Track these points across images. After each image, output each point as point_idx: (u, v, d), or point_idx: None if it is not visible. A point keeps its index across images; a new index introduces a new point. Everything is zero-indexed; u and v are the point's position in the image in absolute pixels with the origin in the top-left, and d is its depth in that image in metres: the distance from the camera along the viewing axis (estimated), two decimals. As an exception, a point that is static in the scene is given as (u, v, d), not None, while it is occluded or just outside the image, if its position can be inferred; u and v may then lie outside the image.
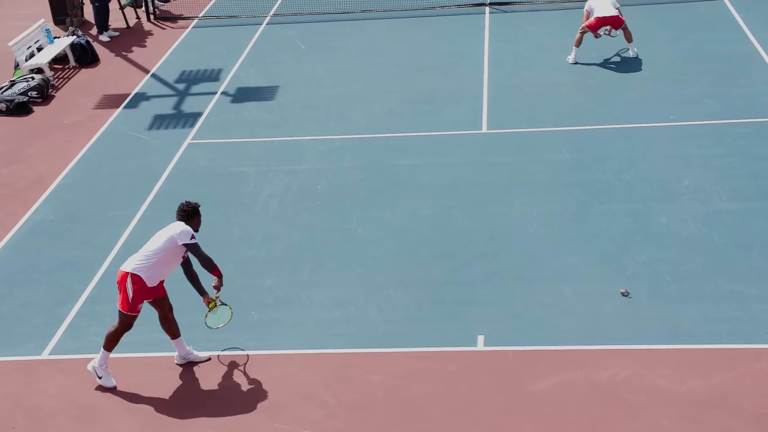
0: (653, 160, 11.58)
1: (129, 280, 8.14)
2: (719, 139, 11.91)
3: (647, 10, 16.23)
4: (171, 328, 8.49)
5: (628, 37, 14.53)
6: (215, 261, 8.40)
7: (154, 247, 8.25)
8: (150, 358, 8.80)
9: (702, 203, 10.56)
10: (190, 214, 8.44)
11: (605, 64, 14.50)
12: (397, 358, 8.55)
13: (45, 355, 8.97)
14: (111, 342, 8.33)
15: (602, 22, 14.39)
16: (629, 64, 14.36)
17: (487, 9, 17.09)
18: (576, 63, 14.65)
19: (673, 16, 16.01)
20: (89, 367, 8.49)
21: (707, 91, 13.22)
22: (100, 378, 8.44)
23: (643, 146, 11.95)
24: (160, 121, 13.86)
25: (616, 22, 14.41)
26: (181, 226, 8.28)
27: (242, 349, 8.79)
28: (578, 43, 14.69)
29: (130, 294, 8.14)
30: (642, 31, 15.35)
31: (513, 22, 16.47)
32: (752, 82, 13.38)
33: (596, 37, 14.54)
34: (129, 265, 8.23)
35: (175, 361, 8.69)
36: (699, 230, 10.08)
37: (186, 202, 8.52)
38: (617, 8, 14.34)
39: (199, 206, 8.56)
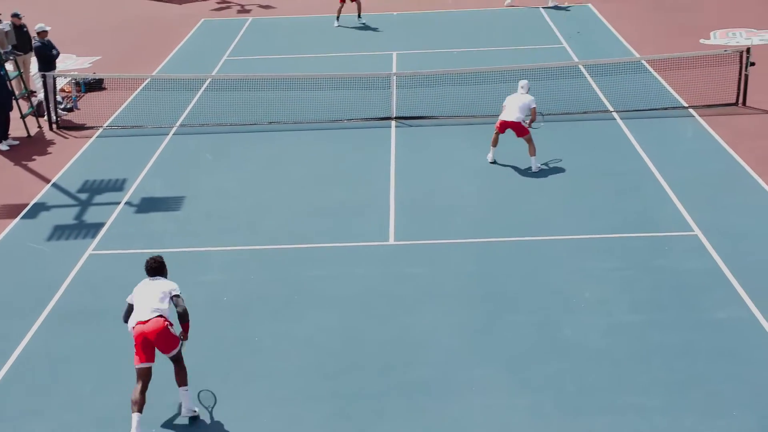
0: (557, 273, 11.84)
1: (166, 326, 8.96)
2: (617, 253, 12.30)
3: (548, 126, 16.85)
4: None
5: (531, 151, 15.09)
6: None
7: (160, 302, 9.04)
8: None
9: (603, 315, 10.80)
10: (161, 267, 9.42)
11: (509, 176, 14.92)
12: (305, 476, 8.31)
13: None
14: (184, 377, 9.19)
15: (505, 125, 15.02)
16: (533, 178, 14.82)
17: (393, 123, 17.49)
18: (494, 162, 15.30)
19: (572, 133, 16.69)
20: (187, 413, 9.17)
21: (605, 206, 13.71)
22: (195, 411, 9.24)
23: (547, 258, 12.23)
24: (60, 232, 13.51)
25: (518, 130, 15.00)
26: (172, 283, 9.28)
27: (142, 470, 8.41)
28: (494, 143, 15.33)
29: (173, 332, 9.07)
30: (544, 146, 15.89)
31: (418, 135, 16.88)
32: (646, 197, 13.95)
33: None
34: (153, 311, 8.96)
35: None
36: (602, 342, 10.27)
37: (152, 258, 9.40)
38: (529, 110, 14.97)
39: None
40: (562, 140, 16.34)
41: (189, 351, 10.31)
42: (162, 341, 8.96)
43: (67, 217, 14.03)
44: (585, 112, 17.60)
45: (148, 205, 14.39)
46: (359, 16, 25.75)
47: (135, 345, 8.97)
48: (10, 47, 18.66)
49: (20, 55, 19.01)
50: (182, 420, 9.23)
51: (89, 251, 12.87)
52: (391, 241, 12.93)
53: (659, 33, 23.65)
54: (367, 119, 17.69)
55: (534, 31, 24.55)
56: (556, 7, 26.70)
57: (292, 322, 10.94)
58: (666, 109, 17.63)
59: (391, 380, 9.74)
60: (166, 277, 9.44)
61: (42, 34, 18.60)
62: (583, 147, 16.06)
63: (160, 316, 8.99)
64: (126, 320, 9.23)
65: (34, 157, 16.70)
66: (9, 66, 18.61)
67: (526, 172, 15.02)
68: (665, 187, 14.20)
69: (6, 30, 18.62)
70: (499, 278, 11.78)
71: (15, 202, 14.60)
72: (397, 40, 23.90)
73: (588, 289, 11.37)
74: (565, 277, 11.71)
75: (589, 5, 26.98)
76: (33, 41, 18.85)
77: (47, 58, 18.57)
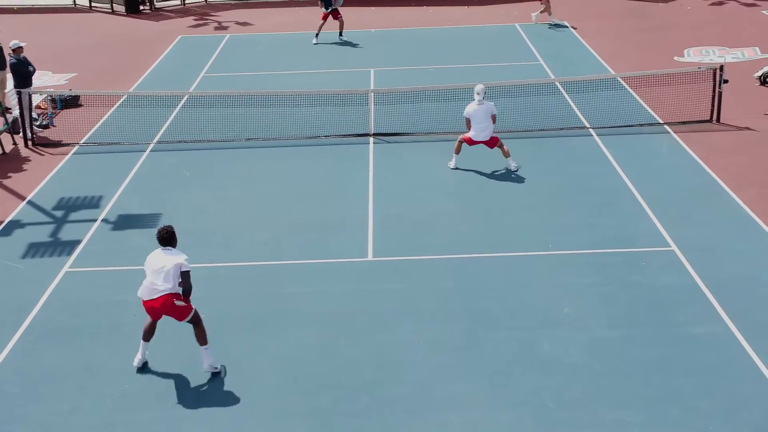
0: (534, 288, 11.88)
1: (173, 302, 9.83)
2: (595, 268, 12.35)
3: (525, 143, 16.98)
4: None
5: (506, 153, 15.50)
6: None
7: (169, 280, 9.78)
8: None
9: (582, 331, 10.84)
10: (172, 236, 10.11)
11: (487, 192, 14.97)
12: (284, 495, 8.25)
13: None
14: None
15: (477, 142, 15.50)
16: (508, 193, 14.88)
17: (371, 139, 17.51)
18: (456, 168, 15.65)
19: (548, 149, 16.78)
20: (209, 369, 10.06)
21: (583, 222, 13.78)
22: (217, 368, 10.11)
23: (525, 274, 12.26)
24: (35, 250, 13.39)
25: (490, 143, 15.50)
26: (182, 256, 9.94)
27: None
28: (458, 151, 15.68)
29: (181, 303, 9.88)
30: (521, 163, 15.99)
31: (396, 152, 16.91)
32: (623, 213, 14.04)
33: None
34: (159, 291, 9.78)
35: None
36: (580, 357, 10.30)
37: (163, 228, 10.07)
38: (492, 115, 15.46)
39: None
40: (540, 156, 16.42)
41: (164, 367, 10.28)
42: (172, 314, 9.99)
43: (42, 234, 13.91)
44: (562, 129, 17.71)
45: (124, 222, 14.30)
46: (341, 33, 25.79)
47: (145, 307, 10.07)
48: (-16, 64, 18.56)
49: (-4, 71, 18.90)
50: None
51: (65, 269, 12.76)
52: (370, 257, 12.91)
53: (634, 50, 23.88)
54: (345, 135, 17.70)
55: (511, 48, 24.72)
56: (555, 25, 26.84)
57: (269, 339, 10.89)
58: (642, 125, 17.78)
59: (370, 397, 9.71)
60: (175, 246, 10.11)
61: (17, 50, 18.49)
62: (560, 163, 16.15)
63: (167, 293, 9.82)
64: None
65: (9, 174, 16.56)
66: (-16, 83, 18.49)
67: (503, 189, 15.08)
68: (642, 202, 14.30)
69: (-19, 47, 18.52)
70: (477, 294, 11.79)
71: (-11, 220, 14.48)
72: (375, 57, 23.98)
73: (566, 305, 11.40)
74: (543, 293, 11.74)
75: (566, 23, 27.21)
76: (8, 58, 18.73)
77: (23, 74, 18.46)
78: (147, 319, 10.20)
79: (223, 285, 12.23)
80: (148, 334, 10.22)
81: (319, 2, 25.70)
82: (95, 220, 14.33)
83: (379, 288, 12.02)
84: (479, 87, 15.55)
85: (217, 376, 10.08)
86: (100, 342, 10.90)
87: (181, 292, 9.97)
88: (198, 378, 10.14)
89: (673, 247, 12.82)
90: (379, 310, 11.48)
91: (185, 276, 9.93)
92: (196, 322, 10.10)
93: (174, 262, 9.86)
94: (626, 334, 10.75)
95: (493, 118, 15.53)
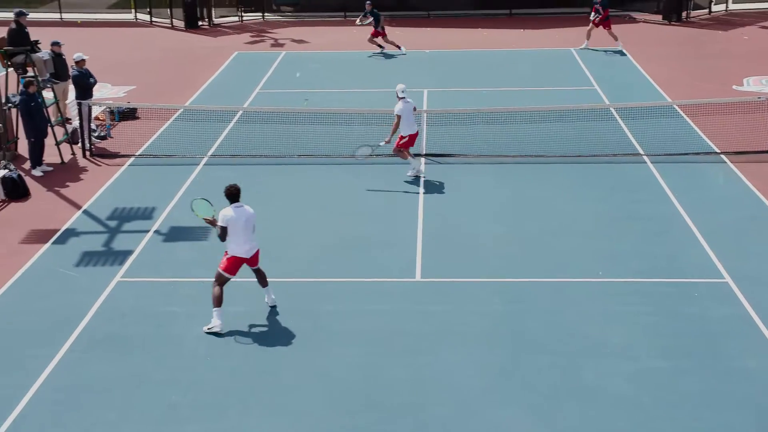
0: (582, 315, 11.74)
1: (258, 251, 11.55)
2: (645, 297, 12.18)
3: (577, 168, 16.87)
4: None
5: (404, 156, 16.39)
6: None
7: (253, 233, 11.37)
8: None
9: (630, 360, 10.68)
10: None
11: (538, 216, 14.87)
12: None
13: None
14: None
15: (414, 138, 16.35)
16: (559, 218, 14.76)
17: (423, 159, 17.52)
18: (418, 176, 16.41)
19: (601, 175, 16.62)
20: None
21: (634, 249, 13.60)
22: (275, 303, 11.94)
23: (573, 300, 12.14)
24: (89, 258, 13.62)
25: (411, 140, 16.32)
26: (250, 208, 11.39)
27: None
28: (407, 156, 16.42)
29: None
30: (571, 188, 15.89)
31: (447, 174, 16.89)
32: (675, 242, 13.83)
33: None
34: (254, 248, 11.43)
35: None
36: (627, 388, 10.14)
37: (230, 185, 11.34)
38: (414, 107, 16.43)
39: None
40: (592, 182, 16.28)
41: (209, 381, 10.36)
42: (254, 263, 11.57)
43: (96, 243, 14.16)
44: (615, 155, 17.54)
45: (176, 234, 14.48)
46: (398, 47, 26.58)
47: (230, 262, 11.31)
48: (48, 75, 19.00)
49: (57, 83, 19.32)
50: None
51: (117, 278, 12.96)
52: (418, 277, 12.89)
53: (691, 78, 23.61)
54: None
55: (565, 72, 24.60)
56: (587, 48, 26.75)
57: (313, 356, 10.92)
58: (697, 154, 17.54)
59: (411, 419, 9.67)
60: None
61: (80, 63, 18.91)
62: (612, 189, 15.99)
63: (256, 247, 11.47)
64: (223, 239, 11.29)
65: (66, 183, 16.90)
66: (47, 94, 18.92)
67: (552, 214, 14.96)
68: (695, 232, 14.09)
69: (45, 59, 18.96)
70: (523, 319, 11.70)
71: (46, 228, 14.76)
72: (429, 78, 24.04)
73: (614, 334, 11.25)
74: (590, 320, 11.61)
75: (621, 48, 27.00)
76: (71, 70, 19.15)
77: (85, 86, 18.87)
78: (217, 288, 11.30)
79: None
80: (221, 300, 11.35)
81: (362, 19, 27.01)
82: (148, 231, 14.54)
83: (426, 309, 11.99)
84: (400, 86, 16.44)
85: (274, 308, 11.81)
86: (149, 352, 11.04)
87: None
88: (243, 392, 10.20)
89: (727, 278, 12.58)
90: (424, 331, 11.45)
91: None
92: (259, 269, 11.68)
93: (251, 212, 11.34)
94: (675, 365, 10.56)
95: (415, 108, 16.52)
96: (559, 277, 12.80)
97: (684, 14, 31.01)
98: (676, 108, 19.91)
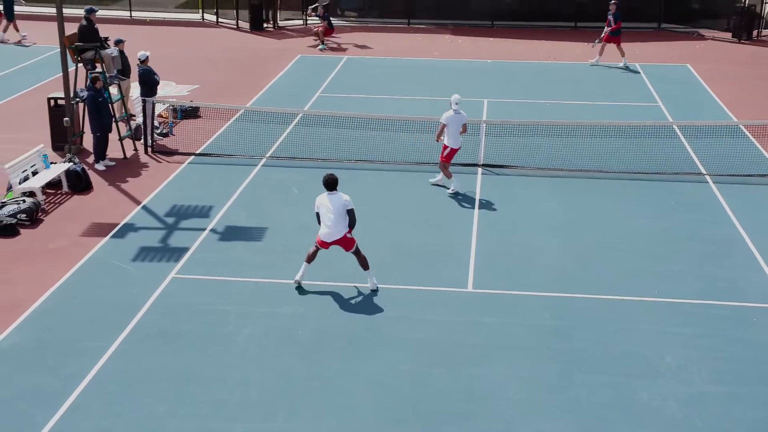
0: (636, 334, 11.56)
1: (345, 234, 12.32)
2: (702, 320, 11.94)
3: (638, 185, 16.65)
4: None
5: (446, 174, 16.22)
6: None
7: (342, 219, 12.21)
8: None
9: (684, 383, 10.48)
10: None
11: (594, 231, 14.69)
12: None
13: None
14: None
15: (454, 152, 16.16)
16: (615, 234, 14.56)
17: (480, 169, 17.44)
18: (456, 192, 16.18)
19: (662, 193, 16.36)
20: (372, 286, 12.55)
21: (691, 270, 13.36)
22: (376, 287, 12.65)
23: (627, 319, 11.95)
24: (145, 253, 13.83)
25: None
26: (346, 196, 12.33)
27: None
28: (449, 175, 16.23)
29: (350, 236, 12.53)
30: (629, 206, 15.68)
31: (503, 185, 16.79)
32: (736, 265, 13.55)
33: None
34: (340, 229, 12.25)
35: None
36: (680, 411, 9.96)
37: (328, 174, 12.32)
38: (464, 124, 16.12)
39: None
40: (652, 200, 16.04)
41: (258, 381, 10.42)
42: (343, 245, 12.39)
43: (153, 239, 14.36)
44: (677, 173, 17.26)
45: (231, 233, 14.62)
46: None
47: (319, 242, 12.39)
48: (115, 71, 19.37)
49: (123, 79, 19.68)
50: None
51: (172, 274, 13.13)
52: (470, 288, 12.83)
53: (758, 97, 23.12)
54: (453, 164, 17.66)
55: (629, 87, 24.30)
56: (626, 68, 26.27)
57: (363, 361, 10.92)
58: (763, 176, 17.16)
59: (458, 429, 9.61)
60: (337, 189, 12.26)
61: (145, 60, 19.24)
62: (673, 208, 15.72)
63: (338, 234, 12.22)
64: (319, 222, 12.41)
65: (127, 178, 17.19)
66: (113, 89, 19.28)
67: (607, 230, 14.77)
68: (757, 255, 13.78)
69: (114, 55, 19.34)
70: (575, 335, 11.56)
71: (107, 221, 15.02)
72: (489, 88, 23.94)
73: (669, 355, 11.06)
74: (645, 340, 11.42)
75: (688, 65, 26.58)
76: (137, 67, 19.49)
77: (149, 83, 19.18)
78: (314, 247, 12.49)
79: (322, 303, 12.35)
80: (312, 258, 12.58)
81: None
82: (204, 230, 14.70)
83: (477, 320, 11.92)
84: (456, 96, 16.21)
85: (375, 293, 12.45)
86: (200, 349, 11.15)
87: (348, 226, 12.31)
88: (291, 393, 10.24)
89: (787, 304, 12.30)
90: (475, 342, 11.38)
91: (351, 213, 12.24)
92: (358, 252, 12.48)
93: (344, 200, 12.19)
94: (731, 391, 10.33)
95: (464, 127, 16.16)
96: (613, 294, 12.62)
97: (755, 33, 30.37)
98: (742, 128, 19.52)
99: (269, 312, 12.05)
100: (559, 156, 17.76)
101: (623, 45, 26.49)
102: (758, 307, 12.27)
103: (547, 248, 14.13)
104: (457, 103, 16.07)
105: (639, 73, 25.75)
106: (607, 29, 26.30)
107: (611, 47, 26.41)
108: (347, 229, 12.31)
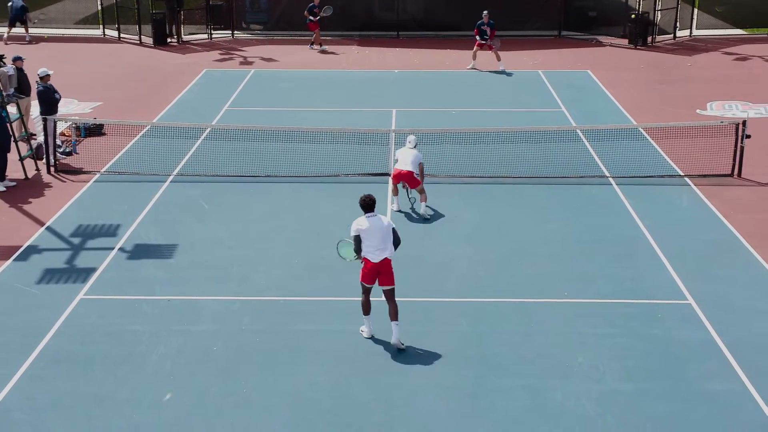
0: (548, 336, 11.78)
1: (390, 263, 11.36)
2: (611, 319, 12.25)
3: (544, 189, 16.99)
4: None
5: (423, 198, 15.80)
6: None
7: (387, 242, 11.27)
8: None
9: (596, 382, 10.72)
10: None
11: (504, 238, 14.92)
12: None
13: None
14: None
15: (399, 176, 15.71)
16: (527, 240, 14.83)
17: (390, 179, 17.49)
18: (399, 211, 15.97)
19: (568, 197, 16.74)
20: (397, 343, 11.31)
21: (599, 271, 13.69)
22: (403, 346, 11.34)
23: (539, 321, 12.18)
24: (51, 276, 13.43)
25: (411, 181, 15.71)
26: (386, 218, 11.51)
27: None
28: (395, 193, 16.09)
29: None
30: (538, 209, 15.99)
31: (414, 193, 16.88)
32: (640, 264, 13.95)
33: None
34: (384, 255, 11.25)
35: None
36: (593, 409, 10.18)
37: (365, 195, 11.41)
38: (419, 163, 15.69)
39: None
40: (558, 204, 16.39)
41: (175, 402, 10.23)
42: (385, 274, 11.33)
43: (59, 260, 13.97)
44: (582, 177, 17.69)
45: (140, 252, 14.34)
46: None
47: (365, 270, 11.30)
48: (12, 90, 18.79)
49: (22, 98, 19.13)
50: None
51: (80, 296, 12.80)
52: (383, 297, 12.84)
53: (657, 102, 23.91)
54: (364, 174, 17.74)
55: (533, 93, 24.82)
56: (504, 72, 27.04)
57: (280, 375, 10.84)
58: (662, 176, 17.74)
59: (379, 440, 9.62)
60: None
61: (45, 78, 18.74)
62: (578, 211, 16.10)
63: (388, 257, 11.30)
64: (358, 250, 11.35)
65: (30, 199, 16.69)
66: (11, 108, 18.70)
67: (520, 236, 15.03)
68: (660, 254, 14.22)
69: (10, 74, 18.77)
70: (490, 340, 11.71)
71: (8, 244, 14.54)
72: (398, 98, 24.12)
73: (581, 355, 11.30)
74: (557, 341, 11.65)
75: (588, 71, 27.31)
76: (36, 85, 18.98)
77: (49, 101, 18.69)
78: (362, 297, 11.49)
79: (236, 319, 12.20)
80: (368, 308, 11.56)
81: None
82: (112, 249, 14.38)
83: (391, 329, 11.92)
84: (411, 137, 16.10)
85: (402, 351, 11.27)
86: (111, 371, 10.88)
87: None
88: (207, 412, 10.08)
89: (690, 300, 12.70)
90: (391, 351, 11.41)
91: (396, 233, 11.46)
92: (392, 296, 11.39)
93: (386, 222, 11.40)
94: (640, 387, 10.62)
95: (420, 167, 15.79)
96: (525, 297, 12.84)
97: (649, 39, 31.44)
98: (642, 131, 20.14)
99: (182, 330, 11.85)
100: (469, 163, 17.99)
101: (518, 52, 27.08)
102: (663, 303, 12.66)
103: (460, 255, 14.28)
104: (410, 142, 16.01)
105: (543, 79, 26.33)
106: (486, 38, 27.16)
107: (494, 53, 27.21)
108: (389, 261, 11.39)
